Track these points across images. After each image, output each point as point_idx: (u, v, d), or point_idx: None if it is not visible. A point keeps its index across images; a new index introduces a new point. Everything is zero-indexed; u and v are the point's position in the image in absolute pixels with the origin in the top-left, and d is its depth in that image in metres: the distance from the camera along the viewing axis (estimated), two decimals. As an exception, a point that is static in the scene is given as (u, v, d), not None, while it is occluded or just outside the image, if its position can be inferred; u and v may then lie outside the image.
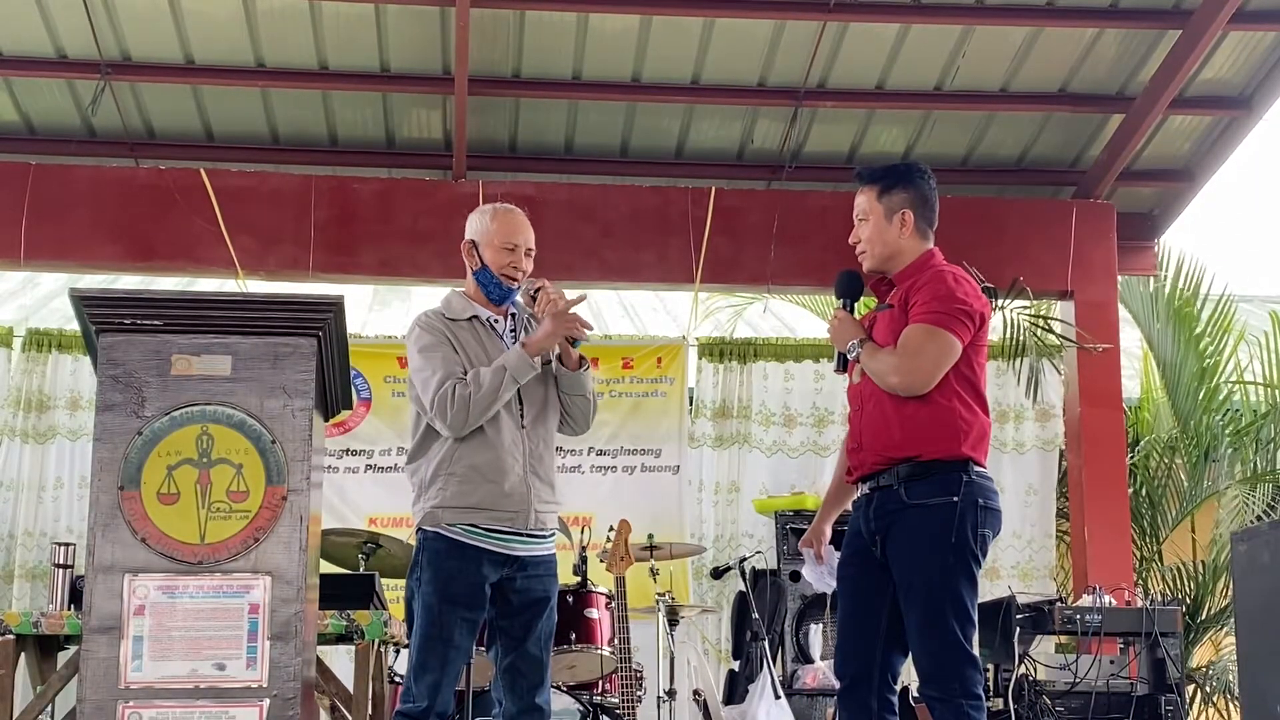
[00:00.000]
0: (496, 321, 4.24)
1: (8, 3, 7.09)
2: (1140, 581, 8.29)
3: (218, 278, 8.31)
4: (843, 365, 4.15)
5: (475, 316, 4.21)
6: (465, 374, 4.05)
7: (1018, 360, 8.22)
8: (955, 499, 3.90)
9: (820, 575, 4.32)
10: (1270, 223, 33.88)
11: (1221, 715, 8.39)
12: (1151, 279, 9.04)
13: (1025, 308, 8.36)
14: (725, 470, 8.46)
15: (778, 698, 6.35)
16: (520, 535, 4.06)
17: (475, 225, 4.30)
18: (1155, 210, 8.70)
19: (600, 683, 6.01)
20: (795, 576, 7.56)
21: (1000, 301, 8.12)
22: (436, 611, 3.96)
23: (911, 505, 3.92)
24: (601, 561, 6.11)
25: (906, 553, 3.92)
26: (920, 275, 4.07)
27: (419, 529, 4.08)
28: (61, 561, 5.44)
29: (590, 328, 4.22)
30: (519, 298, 4.27)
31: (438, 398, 4.00)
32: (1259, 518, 8.12)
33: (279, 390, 3.45)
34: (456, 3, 6.83)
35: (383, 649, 5.35)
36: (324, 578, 4.61)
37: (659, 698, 6.29)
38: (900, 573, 3.93)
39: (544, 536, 4.14)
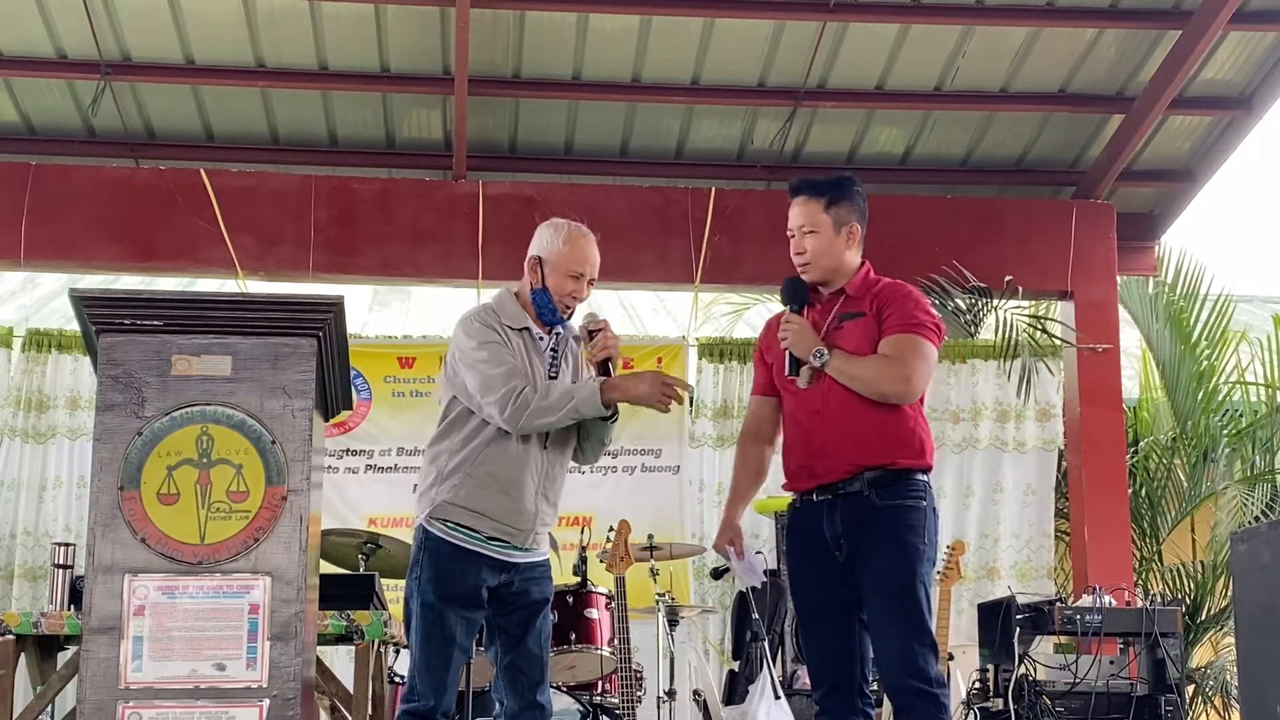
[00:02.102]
0: (543, 339, 4.22)
1: (8, 3, 7.09)
2: (1140, 582, 8.29)
3: (218, 278, 8.31)
4: (795, 369, 4.09)
5: (527, 329, 4.19)
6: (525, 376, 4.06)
7: (1010, 361, 8.21)
8: (924, 503, 4.00)
9: (747, 569, 4.30)
10: (1271, 223, 33.89)
11: (1220, 716, 8.39)
12: (1150, 280, 9.04)
13: (1022, 308, 8.37)
14: (726, 470, 8.43)
15: (778, 698, 6.35)
16: (518, 548, 4.09)
17: (545, 242, 4.24)
18: (1155, 210, 8.70)
19: (600, 683, 6.01)
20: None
21: (995, 301, 8.13)
22: (438, 610, 3.97)
23: (884, 507, 3.95)
24: (601, 561, 6.11)
25: (885, 553, 3.95)
26: (880, 286, 4.14)
27: (420, 523, 4.08)
28: (61, 561, 5.44)
29: (687, 390, 4.25)
30: (574, 324, 4.26)
31: (506, 389, 3.97)
32: (1257, 518, 8.12)
33: (279, 390, 3.44)
34: (456, 3, 6.83)
35: (383, 649, 5.35)
36: (324, 578, 4.61)
37: (659, 698, 6.29)
38: (874, 573, 3.95)
39: (537, 549, 4.19)
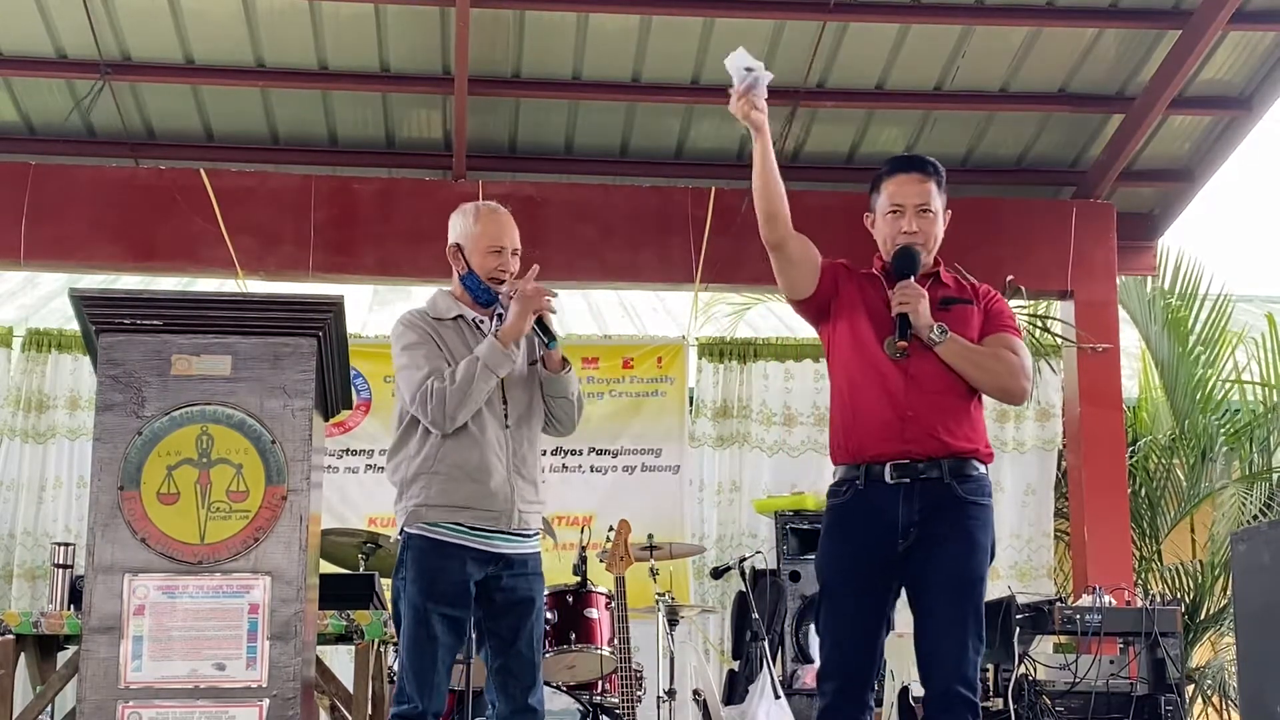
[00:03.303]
0: (482, 322, 4.20)
1: (8, 3, 7.09)
2: (1140, 581, 8.29)
3: (218, 278, 8.31)
4: (905, 335, 3.90)
5: (460, 316, 4.18)
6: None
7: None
8: (992, 501, 3.97)
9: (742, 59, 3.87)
10: (1270, 223, 33.89)
11: (1220, 715, 8.40)
12: (1148, 280, 9.05)
13: (1022, 308, 8.37)
14: (726, 470, 8.46)
15: (777, 698, 6.36)
16: (504, 534, 4.05)
17: (459, 228, 4.25)
18: (1155, 210, 8.70)
19: (600, 683, 6.01)
20: (795, 576, 7.57)
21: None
22: (423, 611, 3.95)
23: (968, 501, 3.88)
24: (601, 561, 6.11)
25: (960, 549, 3.86)
26: (970, 282, 4.14)
27: (402, 529, 4.08)
28: (61, 561, 5.44)
29: (554, 295, 4.11)
30: (504, 299, 4.21)
31: (419, 394, 3.98)
32: (1255, 517, 8.13)
33: (279, 390, 3.45)
34: (456, 3, 6.83)
35: (383, 649, 5.36)
36: (324, 578, 4.61)
37: (659, 698, 6.29)
38: (944, 567, 3.85)
39: (527, 536, 4.13)
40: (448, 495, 4.00)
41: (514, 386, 4.13)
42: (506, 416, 4.10)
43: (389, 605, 5.54)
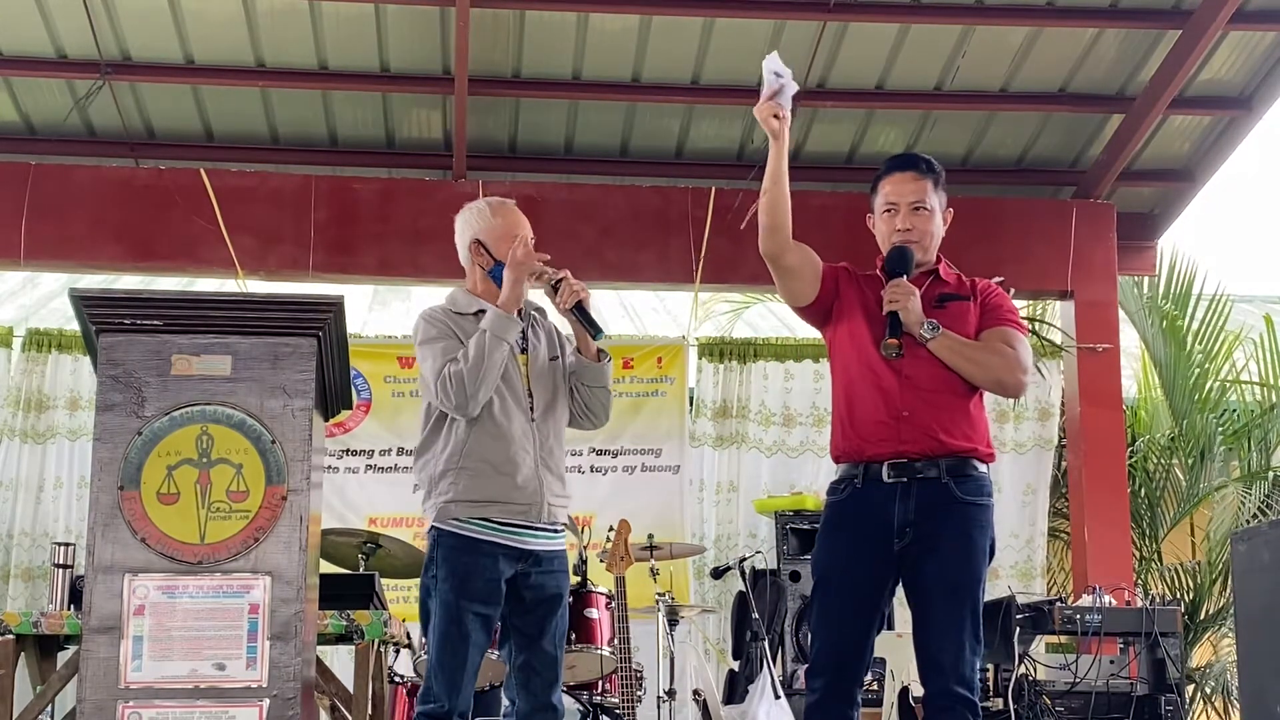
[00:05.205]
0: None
1: (8, 3, 7.09)
2: (1140, 581, 8.29)
3: (218, 278, 8.31)
4: (896, 332, 3.89)
5: (482, 310, 4.15)
6: None
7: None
8: (992, 501, 3.95)
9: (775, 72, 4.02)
10: (1270, 223, 33.88)
11: (1220, 716, 8.40)
12: (1146, 280, 9.05)
13: (1021, 308, 8.37)
14: (725, 470, 8.46)
15: (777, 697, 6.36)
16: (533, 529, 4.03)
17: (476, 224, 4.23)
18: (1155, 210, 8.71)
19: (600, 683, 6.01)
20: (795, 576, 7.57)
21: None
22: (456, 609, 3.92)
23: (966, 502, 3.87)
24: (601, 561, 6.11)
25: (957, 549, 3.85)
26: (982, 281, 4.13)
27: (432, 526, 4.06)
28: (61, 561, 5.44)
29: (547, 258, 4.08)
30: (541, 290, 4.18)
31: (438, 384, 3.98)
32: (1254, 517, 8.13)
33: (279, 390, 3.44)
34: (456, 3, 6.84)
35: (383, 649, 5.35)
36: (324, 578, 4.60)
37: (659, 698, 6.29)
38: (941, 567, 3.84)
39: (555, 531, 4.12)
40: (476, 490, 3.98)
41: (538, 379, 4.13)
42: (532, 409, 4.09)
43: (389, 605, 5.55)
